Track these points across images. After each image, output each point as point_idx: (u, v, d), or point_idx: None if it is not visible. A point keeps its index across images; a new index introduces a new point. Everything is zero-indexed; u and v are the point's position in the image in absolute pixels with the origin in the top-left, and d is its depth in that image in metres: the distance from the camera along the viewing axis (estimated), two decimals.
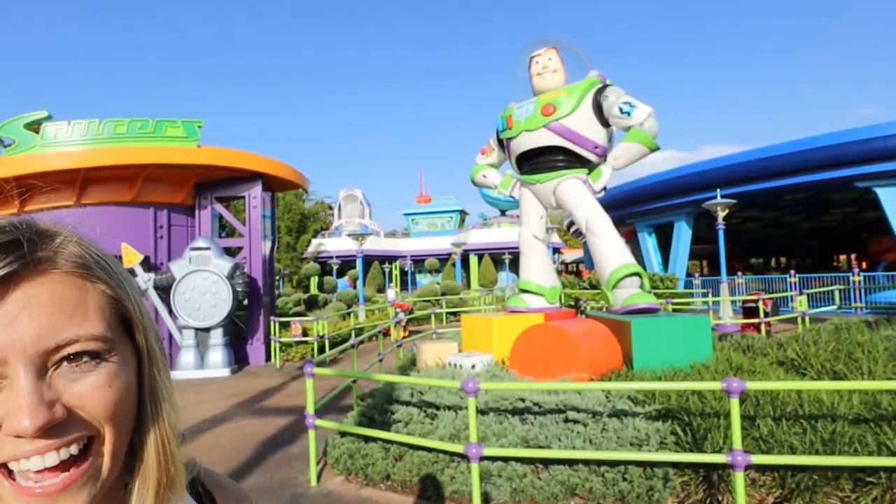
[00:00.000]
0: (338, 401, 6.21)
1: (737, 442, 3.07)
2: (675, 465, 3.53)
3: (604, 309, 6.84)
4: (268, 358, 11.07)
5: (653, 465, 3.51)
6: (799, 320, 10.11)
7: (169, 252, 10.62)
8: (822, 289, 14.54)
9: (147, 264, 10.22)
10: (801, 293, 11.12)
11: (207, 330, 9.94)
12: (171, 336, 10.34)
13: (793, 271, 15.57)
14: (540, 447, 3.74)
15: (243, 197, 11.34)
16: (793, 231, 27.07)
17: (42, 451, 0.44)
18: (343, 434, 4.59)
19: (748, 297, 12.05)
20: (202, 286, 9.79)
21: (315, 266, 32.66)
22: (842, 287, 14.63)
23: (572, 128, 6.40)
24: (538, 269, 7.02)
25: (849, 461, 3.12)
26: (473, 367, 5.48)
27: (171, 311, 9.99)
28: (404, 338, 10.02)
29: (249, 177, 11.11)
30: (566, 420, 3.98)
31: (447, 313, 15.76)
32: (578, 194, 6.50)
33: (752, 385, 3.15)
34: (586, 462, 3.60)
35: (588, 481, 3.56)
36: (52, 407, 0.44)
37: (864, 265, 20.09)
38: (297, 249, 34.60)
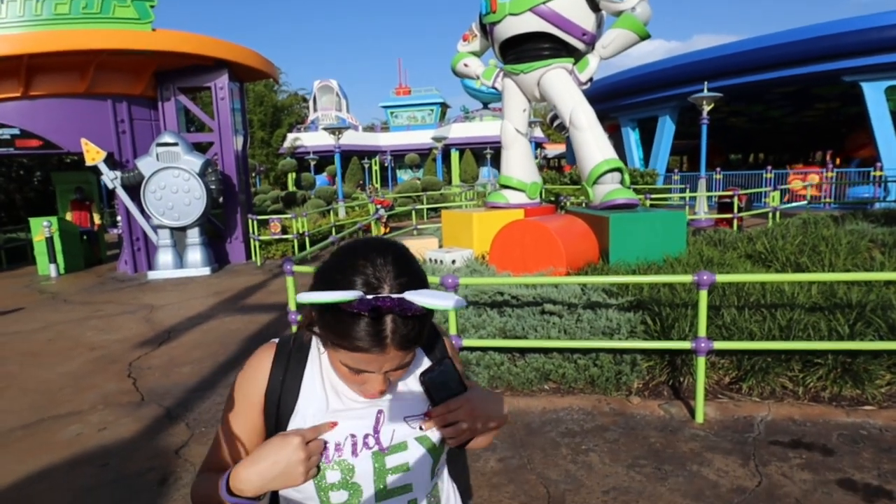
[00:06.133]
0: None
1: (702, 330, 3.25)
2: (643, 351, 3.76)
3: (583, 205, 6.88)
4: (248, 256, 11.09)
5: (622, 352, 3.73)
6: (770, 215, 10.37)
7: (134, 148, 10.09)
8: (791, 185, 14.80)
9: (112, 161, 9.77)
10: (774, 188, 11.30)
11: (183, 229, 9.81)
12: (146, 236, 10.20)
13: (769, 167, 15.69)
14: (517, 338, 3.92)
15: (209, 87, 10.62)
16: (776, 126, 26.89)
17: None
18: None
19: (724, 192, 12.23)
20: (173, 184, 9.48)
21: (291, 162, 31.72)
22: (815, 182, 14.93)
23: (560, 12, 5.98)
24: (519, 164, 6.92)
25: (800, 345, 3.35)
26: (453, 262, 5.58)
27: (142, 211, 9.77)
28: (385, 234, 10.06)
29: (214, 65, 10.32)
30: (542, 312, 4.14)
31: (428, 209, 15.72)
32: (564, 85, 6.24)
33: (721, 277, 3.26)
34: (560, 350, 3.81)
35: (561, 367, 3.79)
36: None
37: (838, 161, 20.32)
38: (271, 145, 33.33)
